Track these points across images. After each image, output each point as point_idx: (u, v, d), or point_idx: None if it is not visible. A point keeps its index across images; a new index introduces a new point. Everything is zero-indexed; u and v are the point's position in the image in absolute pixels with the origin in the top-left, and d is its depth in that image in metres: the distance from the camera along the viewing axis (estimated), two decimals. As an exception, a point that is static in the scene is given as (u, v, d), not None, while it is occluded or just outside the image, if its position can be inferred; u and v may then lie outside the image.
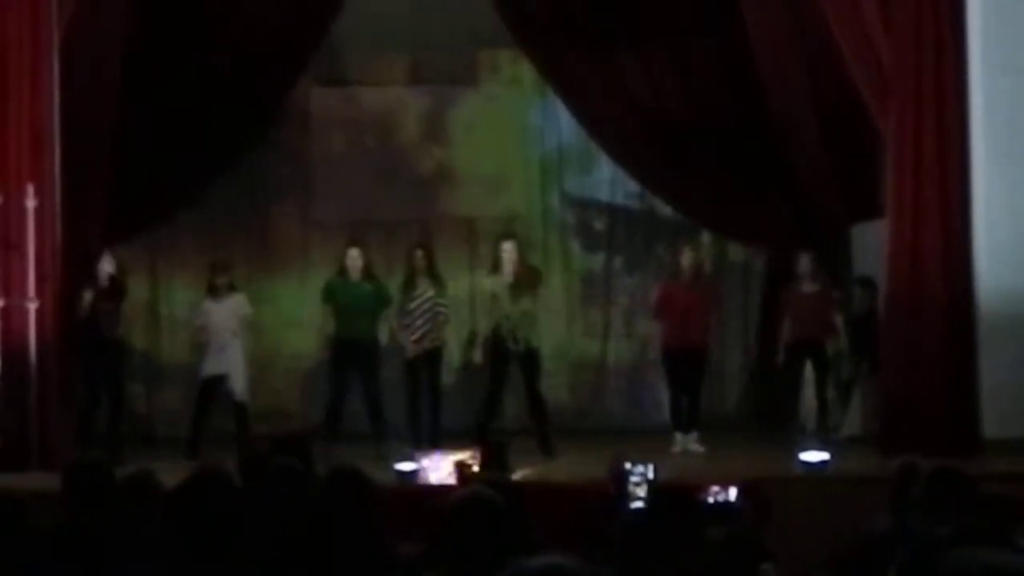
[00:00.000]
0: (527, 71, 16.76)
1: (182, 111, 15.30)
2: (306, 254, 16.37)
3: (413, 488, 11.49)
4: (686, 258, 14.64)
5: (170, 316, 16.03)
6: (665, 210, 16.89)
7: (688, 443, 14.16)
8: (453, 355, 14.96)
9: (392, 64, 16.98)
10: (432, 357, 14.56)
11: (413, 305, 14.40)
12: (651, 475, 9.18)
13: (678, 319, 14.46)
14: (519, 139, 17.05)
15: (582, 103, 16.53)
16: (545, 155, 17.07)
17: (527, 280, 14.24)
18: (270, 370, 16.41)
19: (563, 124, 16.90)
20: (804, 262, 14.57)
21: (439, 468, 11.84)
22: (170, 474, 6.70)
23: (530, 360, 14.26)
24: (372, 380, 14.40)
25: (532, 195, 16.98)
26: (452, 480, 11.44)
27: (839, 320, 14.68)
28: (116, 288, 14.27)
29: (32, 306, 12.43)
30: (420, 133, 17.03)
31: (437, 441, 13.92)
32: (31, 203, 12.39)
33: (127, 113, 14.62)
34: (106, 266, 14.11)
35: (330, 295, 14.54)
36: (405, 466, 11.97)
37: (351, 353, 14.39)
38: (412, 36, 16.68)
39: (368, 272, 14.46)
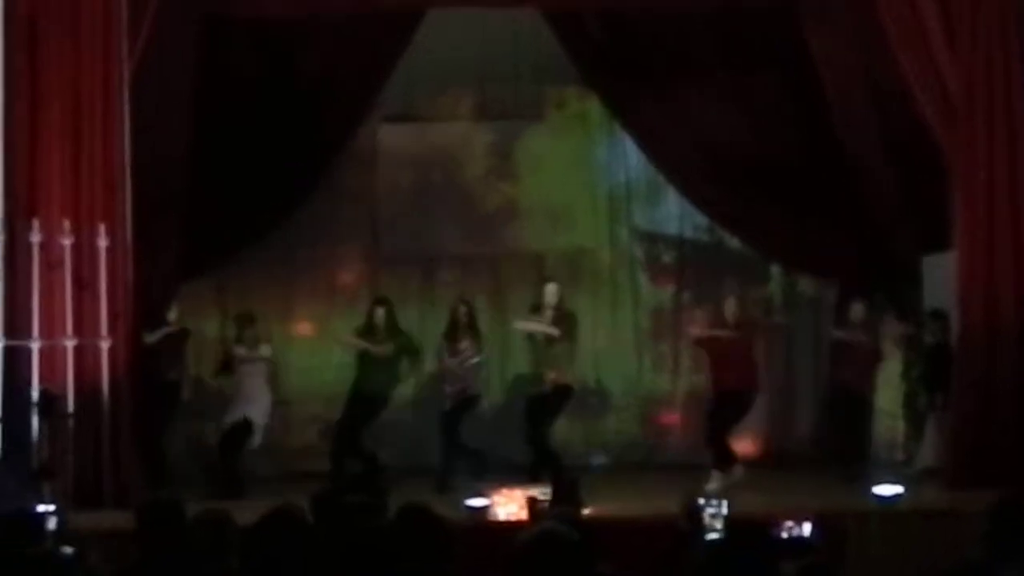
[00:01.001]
0: (594, 106, 16.79)
1: (251, 150, 15.42)
2: (373, 291, 16.38)
3: (483, 524, 11.48)
4: (728, 308, 14.54)
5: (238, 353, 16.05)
6: (734, 243, 16.84)
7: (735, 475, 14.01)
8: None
9: (459, 100, 17.03)
10: (468, 404, 14.64)
11: (455, 360, 14.49)
12: (725, 510, 9.13)
13: (720, 363, 14.41)
14: (586, 173, 17.05)
15: (649, 138, 16.53)
16: (612, 189, 17.07)
17: (562, 325, 14.26)
18: (337, 406, 16.46)
19: (630, 158, 16.91)
20: (857, 310, 14.54)
21: (511, 504, 11.80)
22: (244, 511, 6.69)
23: (555, 397, 14.26)
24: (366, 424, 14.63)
25: (600, 229, 16.97)
26: (523, 515, 11.40)
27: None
28: (178, 332, 14.51)
29: (105, 345, 12.50)
30: (487, 168, 17.05)
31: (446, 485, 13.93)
32: (103, 243, 12.47)
33: (196, 153, 14.77)
34: (171, 313, 14.36)
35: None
36: (475, 502, 11.96)
37: (362, 403, 14.57)
38: (479, 72, 16.76)
39: (393, 330, 14.61)
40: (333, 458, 14.51)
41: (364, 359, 14.67)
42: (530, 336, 14.61)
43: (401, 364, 14.80)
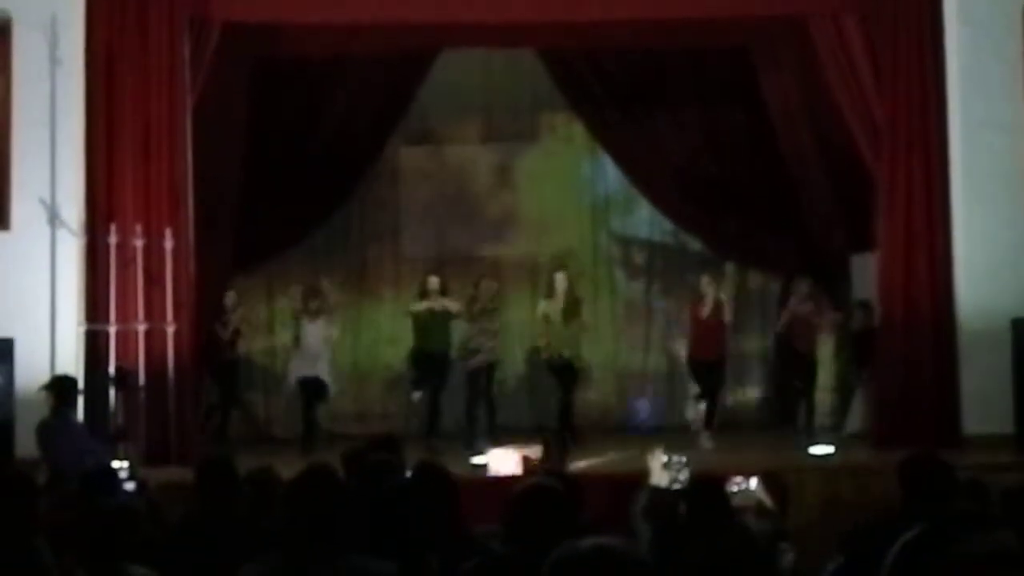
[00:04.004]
0: (579, 131, 16.81)
1: (293, 167, 15.43)
2: (397, 284, 16.40)
3: (486, 478, 11.47)
4: (707, 288, 14.49)
5: (283, 335, 16.04)
6: (695, 245, 16.84)
7: (703, 440, 13.95)
8: (510, 366, 15.31)
9: (467, 126, 17.02)
10: (489, 369, 14.53)
11: (477, 328, 14.39)
12: (686, 467, 9.10)
13: (700, 335, 14.37)
14: (572, 187, 17.04)
15: (625, 157, 16.58)
16: (594, 200, 17.06)
17: (574, 307, 14.18)
18: (367, 380, 16.48)
19: (609, 175, 16.91)
20: (803, 286, 14.51)
21: (508, 461, 11.79)
22: (287, 468, 6.69)
23: (570, 372, 14.19)
24: (440, 386, 14.43)
25: (583, 234, 16.96)
26: (519, 471, 11.39)
27: (825, 334, 14.92)
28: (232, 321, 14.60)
29: (170, 329, 12.50)
30: (490, 183, 17.04)
31: (494, 439, 13.81)
32: (169, 244, 12.47)
33: (249, 169, 14.80)
34: (227, 300, 14.37)
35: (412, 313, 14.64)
36: (479, 459, 11.95)
37: (427, 362, 14.43)
38: (484, 102, 16.80)
39: (442, 294, 14.52)
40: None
41: (421, 325, 14.51)
42: (544, 317, 14.44)
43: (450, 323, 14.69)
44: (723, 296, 14.58)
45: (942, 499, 5.75)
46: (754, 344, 16.77)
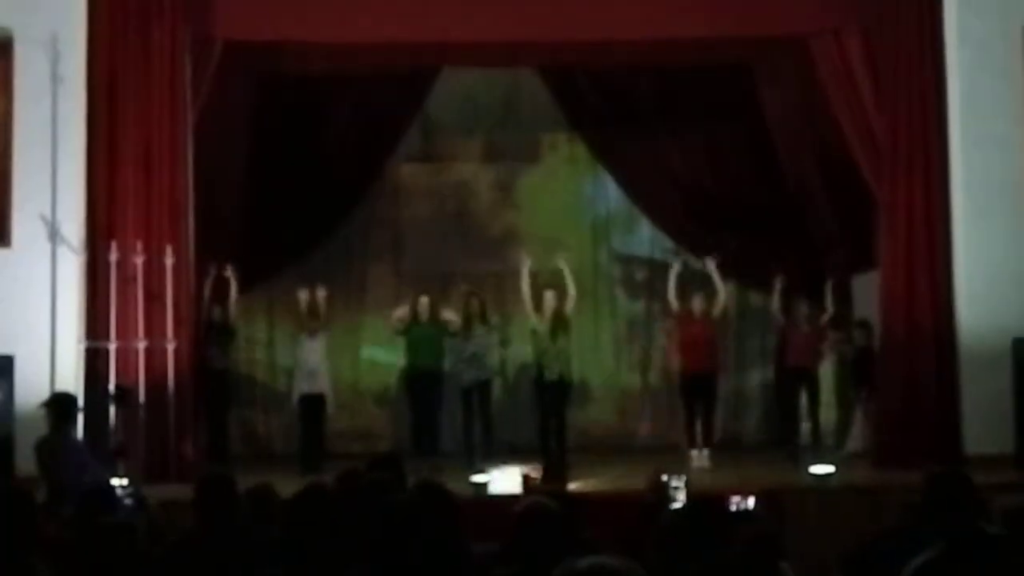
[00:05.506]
0: (580, 149, 16.85)
1: (294, 184, 15.45)
2: (398, 302, 16.34)
3: (486, 497, 11.44)
4: (697, 303, 14.52)
5: (284, 352, 16.02)
6: (696, 264, 16.82)
7: (701, 459, 13.96)
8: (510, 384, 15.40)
9: (469, 144, 17.04)
10: (484, 386, 14.48)
11: (470, 344, 14.34)
12: (684, 486, 9.11)
13: (691, 349, 14.38)
14: (574, 206, 17.05)
15: (626, 176, 16.63)
16: (595, 219, 17.07)
17: (562, 324, 14.11)
18: (365, 397, 16.45)
19: (610, 193, 16.94)
20: (802, 306, 14.56)
21: (509, 480, 11.78)
22: (285, 485, 6.68)
23: (561, 389, 14.08)
24: (434, 405, 14.41)
25: (585, 252, 16.93)
26: (518, 490, 11.37)
27: (826, 351, 14.99)
28: (225, 330, 14.51)
29: (171, 346, 12.50)
30: (492, 201, 17.04)
31: (491, 458, 13.78)
32: (169, 260, 12.48)
33: (249, 186, 14.80)
34: (216, 313, 14.31)
35: (405, 331, 14.59)
36: (480, 478, 11.93)
37: (419, 381, 14.43)
38: (486, 121, 16.82)
39: (434, 316, 14.50)
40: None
41: (413, 344, 14.55)
42: (532, 333, 14.43)
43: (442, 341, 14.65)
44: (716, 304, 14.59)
45: (965, 520, 5.70)
46: (754, 365, 16.76)
